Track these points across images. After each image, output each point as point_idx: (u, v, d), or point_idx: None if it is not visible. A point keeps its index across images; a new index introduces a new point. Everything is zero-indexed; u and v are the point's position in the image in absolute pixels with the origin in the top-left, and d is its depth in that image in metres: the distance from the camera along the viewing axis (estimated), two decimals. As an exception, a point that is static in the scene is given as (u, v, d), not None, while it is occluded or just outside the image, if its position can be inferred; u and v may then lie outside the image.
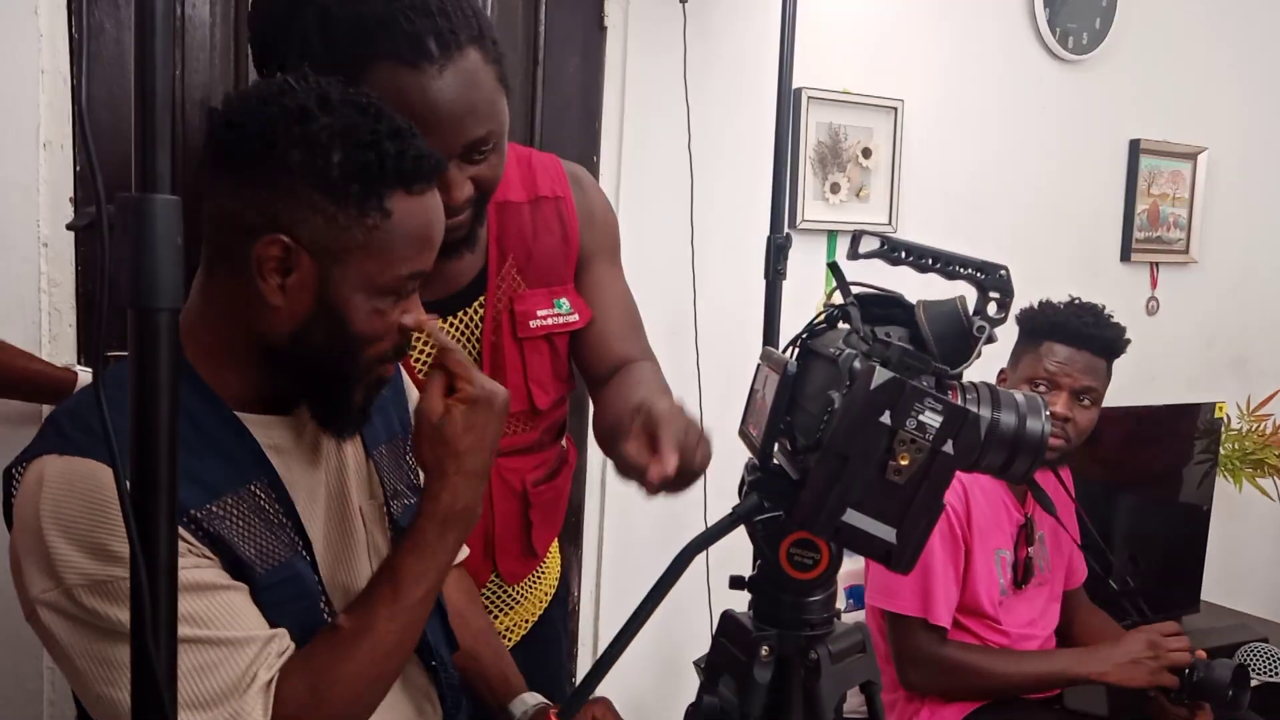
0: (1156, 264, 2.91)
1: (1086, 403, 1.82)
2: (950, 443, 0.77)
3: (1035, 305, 1.91)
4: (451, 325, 1.23)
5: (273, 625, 0.88)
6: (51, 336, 1.46)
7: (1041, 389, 1.80)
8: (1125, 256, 2.85)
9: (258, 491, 0.89)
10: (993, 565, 1.81)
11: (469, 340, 1.25)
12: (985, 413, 0.86)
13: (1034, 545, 1.87)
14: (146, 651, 0.68)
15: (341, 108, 0.86)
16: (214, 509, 0.86)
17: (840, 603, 2.26)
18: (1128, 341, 1.86)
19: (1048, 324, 1.84)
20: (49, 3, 1.42)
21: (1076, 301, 1.88)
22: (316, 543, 0.95)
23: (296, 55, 1.01)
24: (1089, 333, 1.82)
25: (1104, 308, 1.88)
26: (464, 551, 1.20)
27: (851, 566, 2.21)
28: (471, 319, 1.24)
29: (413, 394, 1.13)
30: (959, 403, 0.82)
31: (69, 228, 1.42)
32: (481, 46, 1.04)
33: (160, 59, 0.66)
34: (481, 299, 1.24)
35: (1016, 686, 1.75)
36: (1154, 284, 2.91)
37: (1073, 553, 1.99)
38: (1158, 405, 2.52)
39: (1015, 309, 1.93)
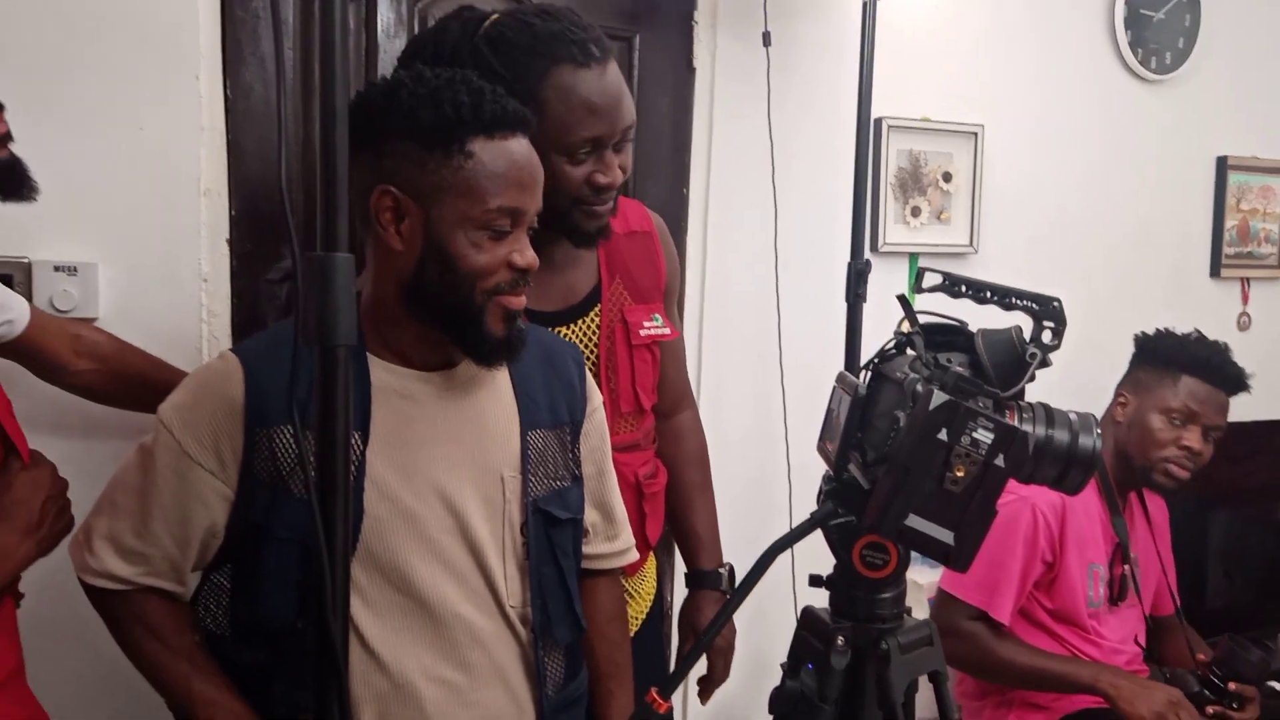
0: (1247, 279, 2.90)
1: (1211, 439, 1.89)
2: (1001, 457, 0.87)
3: (1160, 333, 1.94)
4: (570, 331, 1.41)
5: (276, 575, 1.06)
6: (210, 361, 1.65)
7: (1176, 421, 1.86)
8: (1215, 272, 2.85)
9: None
10: (1084, 576, 1.87)
11: (586, 347, 1.42)
12: (1039, 430, 0.96)
13: (1129, 564, 1.92)
14: (328, 627, 0.84)
15: (429, 80, 1.05)
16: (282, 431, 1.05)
17: (923, 613, 2.34)
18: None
19: (1188, 358, 1.88)
20: (208, 67, 1.62)
21: (1200, 336, 1.93)
22: (391, 505, 1.07)
23: None
24: (1228, 372, 1.88)
25: (1226, 346, 1.93)
26: (633, 554, 1.34)
27: (938, 577, 2.29)
28: (588, 327, 1.42)
29: (593, 395, 1.27)
30: (1013, 422, 0.92)
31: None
32: (614, 57, 1.30)
33: (339, 143, 0.82)
34: (597, 309, 1.43)
35: (1028, 678, 1.81)
36: (1245, 299, 2.90)
37: (1160, 577, 2.03)
38: (1251, 421, 2.52)
39: (1127, 332, 1.97)
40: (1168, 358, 1.90)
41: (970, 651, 1.80)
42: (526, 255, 1.08)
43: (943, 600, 1.85)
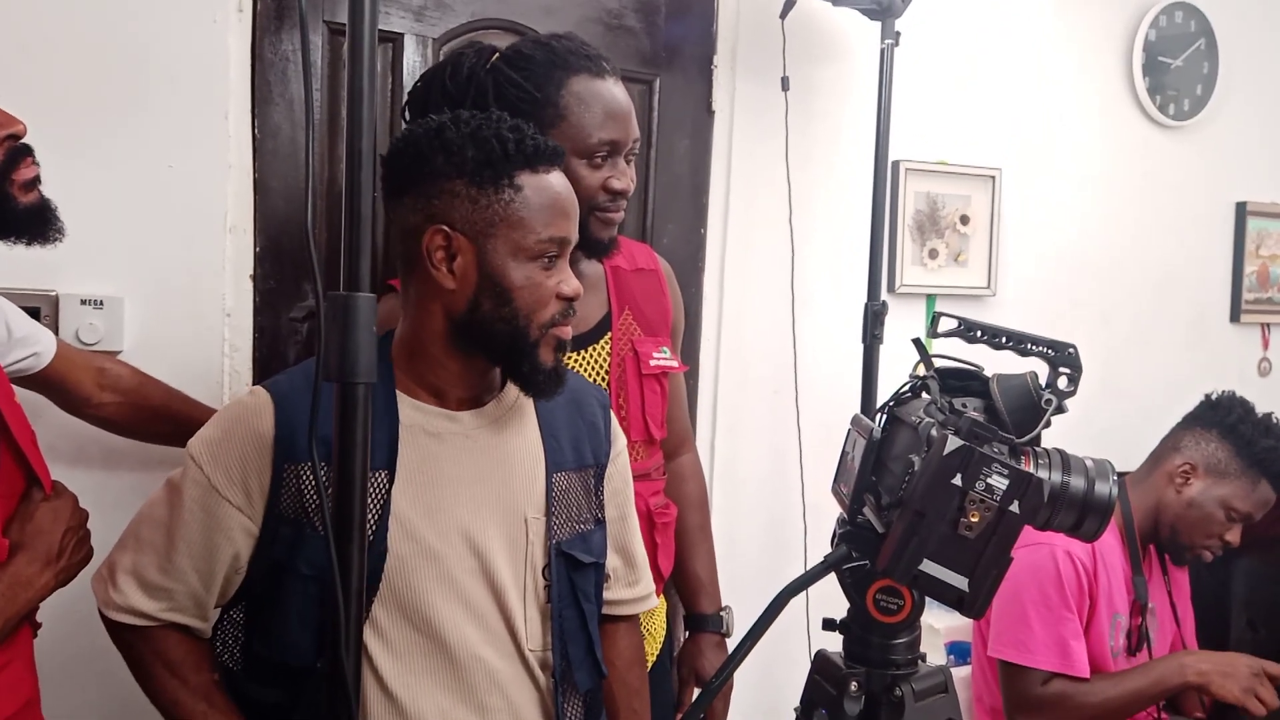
0: (1267, 325, 2.88)
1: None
2: (1016, 503, 0.87)
3: (1255, 422, 1.87)
4: (581, 358, 1.42)
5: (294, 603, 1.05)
6: (232, 394, 1.67)
7: (1233, 518, 1.84)
8: (1235, 317, 2.84)
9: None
10: (1110, 623, 1.85)
11: (596, 374, 1.44)
12: (1055, 477, 0.96)
13: (1146, 615, 1.90)
14: (341, 665, 0.84)
15: (467, 120, 1.09)
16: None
17: (939, 658, 2.31)
18: None
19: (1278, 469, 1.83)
20: (236, 107, 1.66)
21: None
22: (415, 544, 1.07)
23: (470, 100, 1.30)
24: None
25: None
26: (654, 600, 1.33)
27: (954, 623, 2.26)
28: (598, 355, 1.44)
29: (618, 438, 1.27)
30: (1028, 468, 0.92)
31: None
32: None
33: (364, 187, 0.84)
34: (607, 337, 1.45)
35: (1128, 706, 1.77)
36: (1265, 345, 2.89)
37: (1174, 630, 2.01)
38: (1272, 468, 2.49)
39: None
40: (1259, 458, 1.83)
41: (1068, 712, 1.75)
42: (572, 284, 1.11)
43: (1010, 674, 1.78)
